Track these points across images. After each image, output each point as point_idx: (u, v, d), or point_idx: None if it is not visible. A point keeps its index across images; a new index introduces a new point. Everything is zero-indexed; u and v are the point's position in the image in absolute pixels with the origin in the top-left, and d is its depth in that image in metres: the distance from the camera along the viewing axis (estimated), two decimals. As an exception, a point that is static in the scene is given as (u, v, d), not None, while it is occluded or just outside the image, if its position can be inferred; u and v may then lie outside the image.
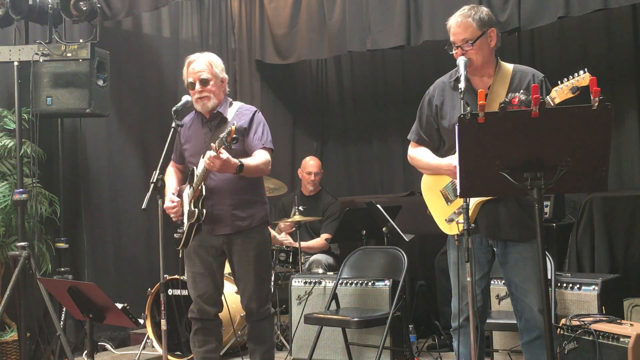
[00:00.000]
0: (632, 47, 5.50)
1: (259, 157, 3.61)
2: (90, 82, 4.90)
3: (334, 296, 4.50)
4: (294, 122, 7.26)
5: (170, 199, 3.65)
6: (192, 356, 3.91)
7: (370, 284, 4.56)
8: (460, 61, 2.98)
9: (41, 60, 4.82)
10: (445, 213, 3.14)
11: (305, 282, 4.81)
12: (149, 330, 4.96)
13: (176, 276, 4.85)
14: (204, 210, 3.61)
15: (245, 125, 3.65)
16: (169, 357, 4.69)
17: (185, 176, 3.88)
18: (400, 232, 4.88)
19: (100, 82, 4.99)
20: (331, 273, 5.05)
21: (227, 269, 3.84)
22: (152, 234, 5.80)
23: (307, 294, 4.75)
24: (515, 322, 3.13)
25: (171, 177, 3.86)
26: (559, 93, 2.80)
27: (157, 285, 4.71)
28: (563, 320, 3.54)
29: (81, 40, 4.97)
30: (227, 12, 6.79)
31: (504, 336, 4.25)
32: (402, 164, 6.36)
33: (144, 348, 5.06)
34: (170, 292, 4.86)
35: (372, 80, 7.07)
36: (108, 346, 5.49)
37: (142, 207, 3.29)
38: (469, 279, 2.81)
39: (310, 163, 5.93)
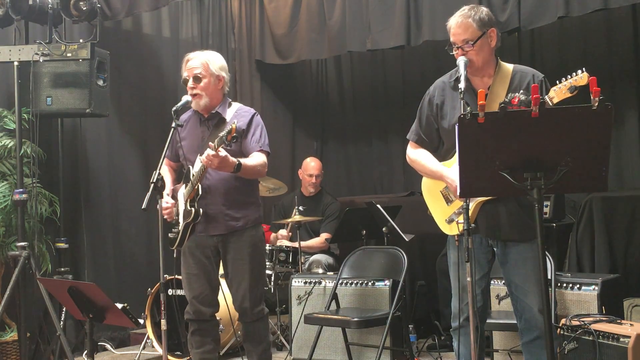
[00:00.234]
0: (632, 47, 5.50)
1: (257, 159, 3.62)
2: (90, 82, 4.89)
3: (334, 296, 4.50)
4: (294, 122, 7.27)
5: (165, 200, 3.65)
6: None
7: (370, 284, 4.56)
8: (461, 61, 2.98)
9: (41, 60, 4.81)
10: (446, 213, 3.14)
11: (305, 282, 4.81)
12: (149, 330, 4.96)
13: (176, 276, 4.84)
14: (201, 210, 3.61)
15: (243, 127, 3.65)
16: (169, 357, 4.69)
17: (179, 175, 3.88)
18: (400, 232, 4.88)
19: (100, 82, 4.99)
20: (331, 273, 5.06)
21: (221, 270, 3.84)
22: (152, 234, 5.80)
23: (307, 294, 4.75)
24: (515, 322, 3.14)
25: (165, 175, 3.84)
26: (557, 93, 2.80)
27: (157, 285, 4.71)
28: (563, 320, 3.54)
29: (81, 40, 4.96)
30: (227, 12, 6.80)
31: (504, 336, 4.25)
32: (402, 164, 6.35)
33: (144, 348, 5.06)
34: (170, 292, 4.86)
35: (372, 80, 7.07)
36: (108, 346, 5.49)
37: (142, 207, 3.28)
38: (469, 279, 2.81)
39: (312, 165, 5.92)
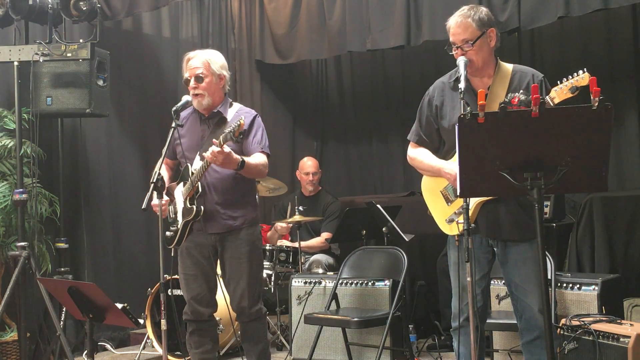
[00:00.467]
0: (632, 47, 5.50)
1: (258, 159, 3.62)
2: (90, 82, 4.89)
3: (334, 296, 4.50)
4: (294, 122, 7.27)
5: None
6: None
7: (370, 284, 4.56)
8: (460, 61, 2.98)
9: (41, 60, 4.81)
10: (446, 213, 3.14)
11: (305, 282, 4.81)
12: (149, 330, 4.96)
13: (176, 276, 4.84)
14: (202, 207, 3.61)
15: (245, 128, 3.65)
16: (169, 357, 4.69)
17: (176, 173, 3.88)
18: (400, 232, 4.88)
19: (100, 82, 4.99)
20: (331, 273, 5.05)
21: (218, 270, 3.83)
22: (152, 234, 5.79)
23: (307, 294, 4.75)
24: (515, 322, 3.14)
25: (164, 174, 3.83)
26: (559, 93, 2.80)
27: (157, 285, 4.70)
28: (563, 320, 3.54)
29: (81, 40, 4.96)
30: (227, 12, 6.80)
31: (504, 336, 4.26)
32: (402, 164, 6.35)
33: (144, 348, 5.06)
34: (170, 292, 4.85)
35: (372, 80, 7.06)
36: (108, 346, 5.49)
37: (142, 207, 3.28)
38: (469, 279, 2.81)
39: (308, 163, 5.93)
